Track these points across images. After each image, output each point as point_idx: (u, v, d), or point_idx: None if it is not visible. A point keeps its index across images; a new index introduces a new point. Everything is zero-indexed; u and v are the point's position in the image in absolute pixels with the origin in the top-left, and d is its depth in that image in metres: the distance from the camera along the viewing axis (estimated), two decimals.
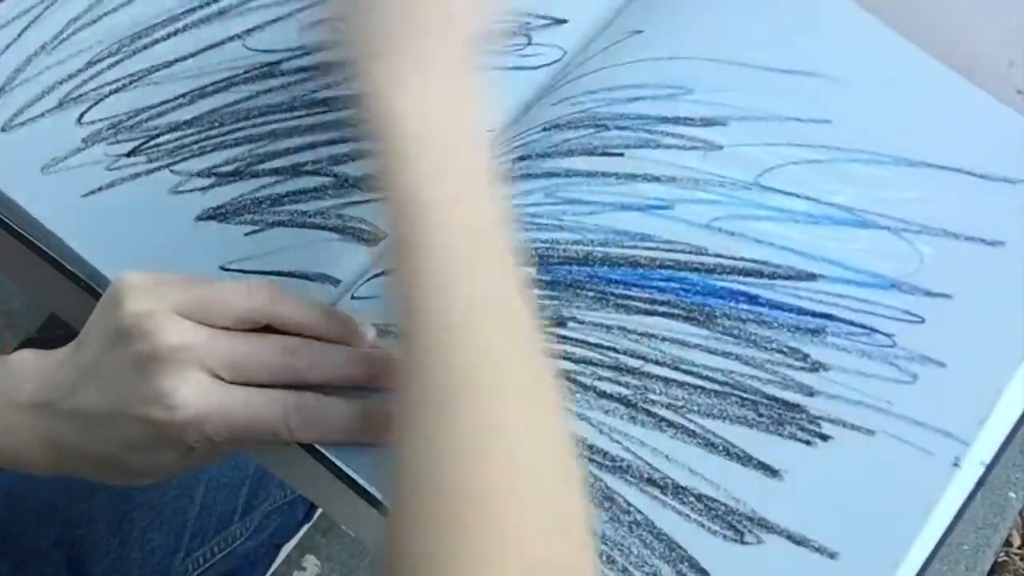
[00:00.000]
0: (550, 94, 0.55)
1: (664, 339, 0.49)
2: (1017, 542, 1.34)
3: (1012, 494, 1.29)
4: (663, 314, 0.49)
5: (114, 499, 0.70)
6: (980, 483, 0.45)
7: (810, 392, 0.47)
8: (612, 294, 0.49)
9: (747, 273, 0.50)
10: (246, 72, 0.54)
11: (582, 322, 0.49)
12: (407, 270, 0.40)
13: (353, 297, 0.50)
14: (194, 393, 0.41)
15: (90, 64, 0.54)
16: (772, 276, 0.50)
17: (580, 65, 0.56)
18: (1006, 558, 1.31)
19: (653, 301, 0.49)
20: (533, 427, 0.39)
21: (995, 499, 1.28)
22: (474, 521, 0.36)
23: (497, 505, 0.36)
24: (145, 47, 0.55)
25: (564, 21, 0.58)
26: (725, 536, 0.45)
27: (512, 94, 0.56)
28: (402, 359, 0.40)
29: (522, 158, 0.52)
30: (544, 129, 0.53)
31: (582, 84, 0.55)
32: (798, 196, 0.52)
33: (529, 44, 0.57)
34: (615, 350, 0.48)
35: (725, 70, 0.54)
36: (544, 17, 0.58)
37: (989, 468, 0.45)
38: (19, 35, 0.54)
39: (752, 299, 0.49)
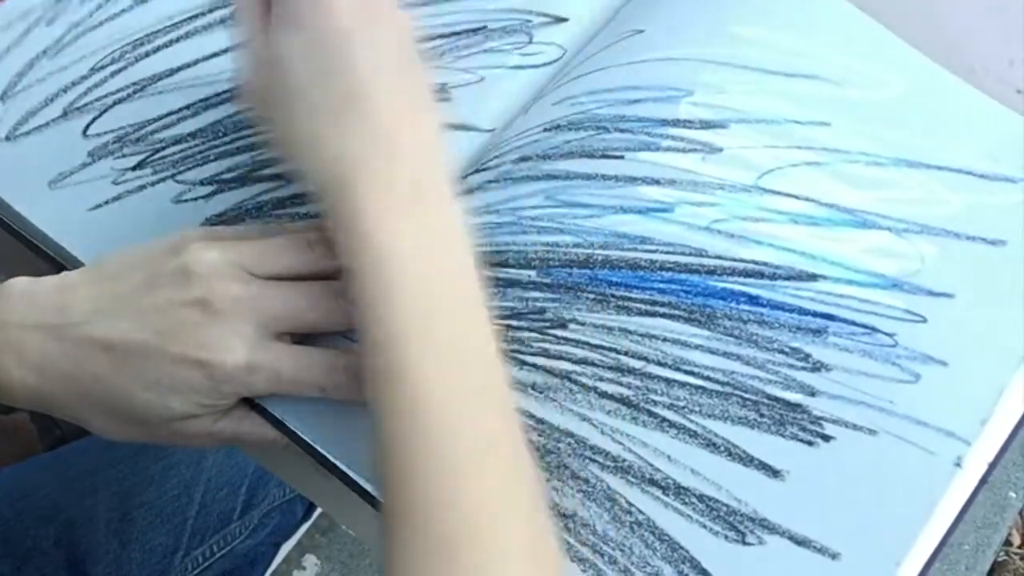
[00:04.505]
0: (550, 93, 0.55)
1: (665, 340, 0.48)
2: (1017, 542, 1.34)
3: (1012, 494, 1.29)
4: (664, 315, 0.49)
5: (114, 498, 0.71)
6: (982, 481, 0.45)
7: (812, 392, 0.47)
8: (613, 296, 0.49)
9: (748, 274, 0.50)
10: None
11: (583, 323, 0.49)
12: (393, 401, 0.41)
13: None
14: (246, 344, 0.43)
15: (93, 71, 0.54)
16: (773, 277, 0.50)
17: (580, 64, 0.56)
18: (1006, 558, 1.32)
19: (654, 303, 0.49)
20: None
21: (995, 499, 1.29)
22: None
23: None
24: (147, 54, 0.55)
25: (565, 19, 0.58)
26: (727, 537, 0.45)
27: (513, 93, 0.56)
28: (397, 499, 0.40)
29: (523, 159, 0.52)
30: (545, 130, 0.53)
31: (582, 84, 0.55)
32: (798, 197, 0.52)
33: (530, 43, 0.57)
34: (616, 351, 0.48)
35: (724, 72, 0.54)
36: (544, 15, 0.58)
37: (991, 467, 0.45)
38: (21, 37, 0.55)
39: (753, 300, 0.49)
